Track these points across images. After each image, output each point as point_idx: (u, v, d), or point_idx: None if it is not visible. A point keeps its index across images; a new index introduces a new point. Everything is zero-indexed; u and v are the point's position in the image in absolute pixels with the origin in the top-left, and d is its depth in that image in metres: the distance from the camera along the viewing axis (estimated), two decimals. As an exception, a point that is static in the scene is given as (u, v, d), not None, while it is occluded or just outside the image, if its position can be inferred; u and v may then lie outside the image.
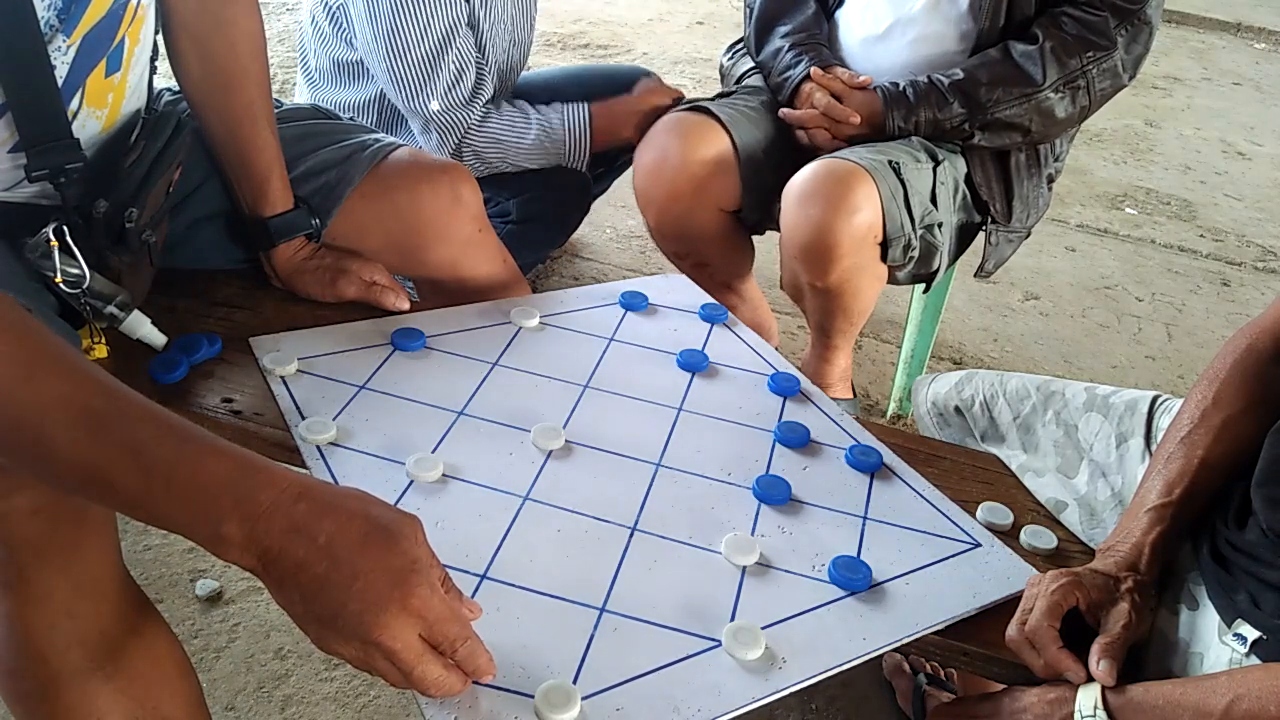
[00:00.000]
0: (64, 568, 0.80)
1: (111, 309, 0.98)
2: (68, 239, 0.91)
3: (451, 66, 1.56)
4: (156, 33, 1.06)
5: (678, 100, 1.71)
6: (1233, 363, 0.92)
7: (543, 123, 1.66)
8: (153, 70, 1.08)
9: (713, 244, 1.65)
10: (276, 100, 1.28)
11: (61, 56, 0.89)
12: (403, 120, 1.71)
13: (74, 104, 0.93)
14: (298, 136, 1.21)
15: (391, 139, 1.25)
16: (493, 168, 1.68)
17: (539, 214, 1.74)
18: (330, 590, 0.64)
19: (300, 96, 1.83)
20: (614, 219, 2.37)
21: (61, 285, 0.92)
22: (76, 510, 0.80)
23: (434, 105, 1.58)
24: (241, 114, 1.11)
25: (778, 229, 1.55)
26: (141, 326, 1.02)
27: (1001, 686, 0.87)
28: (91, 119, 0.96)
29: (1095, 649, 0.79)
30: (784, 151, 1.61)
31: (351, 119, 1.38)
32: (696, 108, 1.61)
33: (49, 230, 0.91)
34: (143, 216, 0.98)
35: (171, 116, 1.07)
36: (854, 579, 0.88)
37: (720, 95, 1.68)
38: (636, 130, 1.65)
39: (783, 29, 1.64)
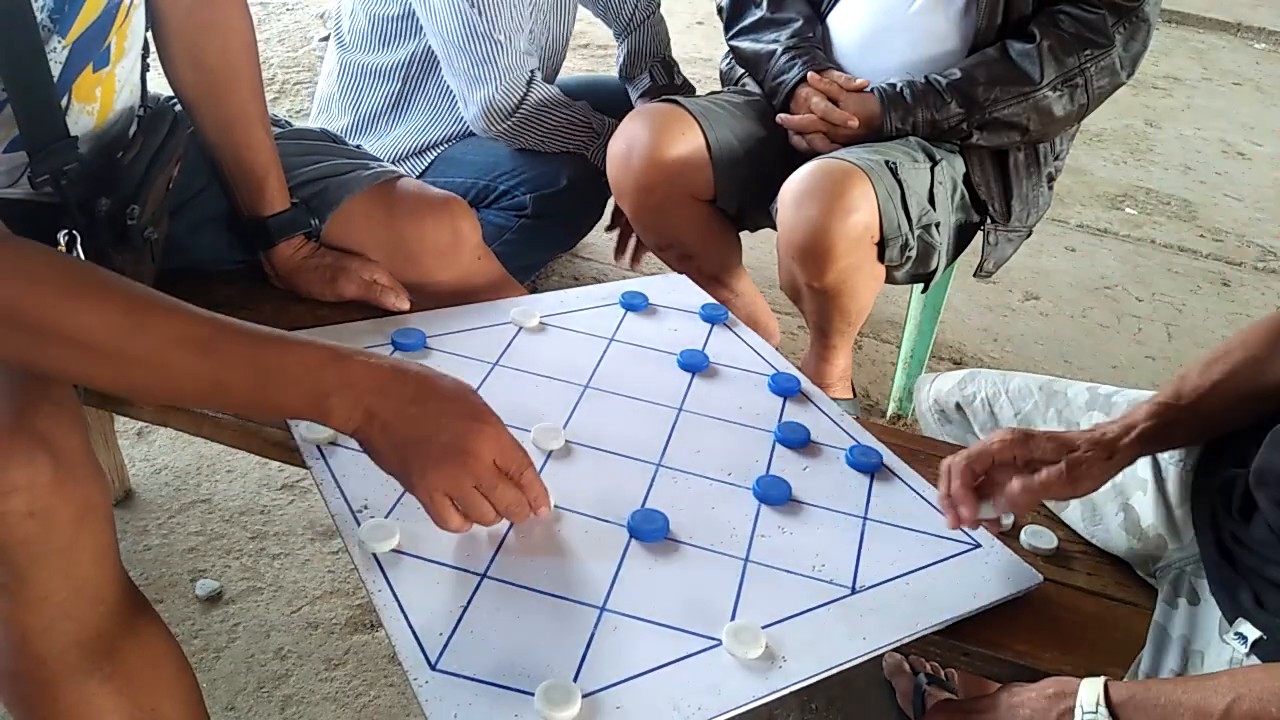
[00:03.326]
0: (61, 569, 0.80)
1: None
2: (79, 248, 0.92)
3: (510, 20, 1.60)
4: (147, 30, 1.06)
5: None
6: (1270, 320, 0.92)
7: (586, 108, 1.73)
8: (145, 67, 1.08)
9: (693, 235, 1.65)
10: (285, 120, 1.28)
11: (56, 58, 0.89)
12: (427, 83, 1.73)
13: (64, 101, 0.94)
14: (303, 151, 1.21)
15: (397, 169, 1.25)
16: (535, 136, 1.69)
17: (554, 210, 1.74)
18: (422, 425, 0.79)
19: (330, 66, 1.84)
20: (614, 219, 2.37)
21: None
22: (74, 512, 0.79)
23: (503, 61, 1.61)
24: (235, 115, 1.11)
25: (773, 228, 1.55)
26: None
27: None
28: (84, 115, 0.97)
29: (1006, 491, 0.86)
30: (766, 147, 1.61)
31: (358, 147, 1.39)
32: (667, 100, 1.61)
33: (61, 239, 0.92)
34: (144, 214, 0.98)
35: (168, 113, 1.07)
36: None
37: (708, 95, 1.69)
38: None
39: (768, 22, 1.64)
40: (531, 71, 1.67)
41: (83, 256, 0.93)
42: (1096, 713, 0.74)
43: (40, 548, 0.78)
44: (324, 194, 1.18)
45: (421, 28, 1.68)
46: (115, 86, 1.00)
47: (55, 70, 0.90)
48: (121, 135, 1.03)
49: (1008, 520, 0.98)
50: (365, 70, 1.76)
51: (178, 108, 1.12)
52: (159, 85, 1.13)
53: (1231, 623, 0.81)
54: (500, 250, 1.60)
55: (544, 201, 1.73)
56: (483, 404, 0.84)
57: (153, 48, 1.08)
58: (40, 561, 0.78)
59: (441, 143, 1.77)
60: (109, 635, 0.84)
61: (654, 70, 1.92)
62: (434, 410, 0.80)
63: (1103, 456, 0.87)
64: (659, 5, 1.97)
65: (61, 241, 0.93)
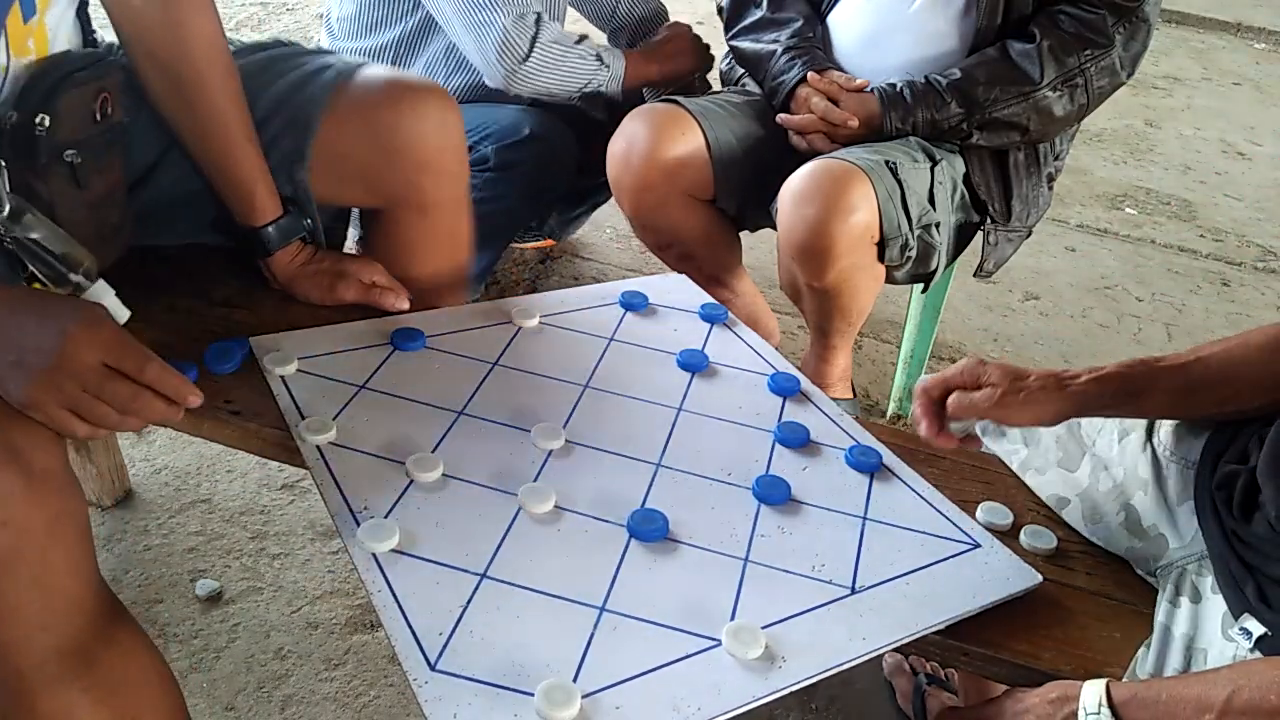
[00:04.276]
0: (35, 580, 0.79)
1: (78, 277, 0.93)
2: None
3: None
4: None
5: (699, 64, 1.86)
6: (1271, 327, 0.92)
7: (594, 49, 1.74)
8: (87, 20, 1.05)
9: (693, 235, 1.65)
10: (237, 41, 1.19)
11: None
12: (415, 62, 1.75)
13: (0, 58, 0.92)
14: (257, 70, 1.15)
15: (360, 60, 1.19)
16: (553, 77, 1.69)
17: (516, 160, 1.72)
18: (15, 336, 0.78)
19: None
20: (614, 219, 2.37)
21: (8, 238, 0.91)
22: (47, 522, 0.79)
23: (505, 3, 1.61)
24: (211, 123, 1.07)
25: (773, 228, 1.55)
26: (105, 296, 0.96)
27: (1002, 686, 0.87)
28: (20, 68, 0.95)
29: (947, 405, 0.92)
30: (766, 147, 1.61)
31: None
32: (668, 99, 1.62)
33: None
34: (57, 128, 0.94)
35: (98, 50, 1.04)
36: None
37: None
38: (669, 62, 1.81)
39: (768, 22, 1.64)
40: (537, 13, 1.67)
41: (5, 184, 0.90)
42: (1099, 713, 0.74)
43: (12, 557, 0.77)
44: (293, 123, 1.12)
45: (406, 11, 1.71)
46: (48, 36, 0.97)
47: None
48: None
49: (962, 428, 0.97)
50: (358, 54, 1.78)
51: (117, 49, 1.08)
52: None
53: (1237, 618, 0.81)
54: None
55: (506, 151, 1.72)
56: (86, 309, 0.82)
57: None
58: (13, 571, 0.77)
59: None
60: (88, 645, 0.83)
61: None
62: (29, 314, 0.79)
63: (1054, 386, 0.89)
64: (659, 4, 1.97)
65: None
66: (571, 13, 1.91)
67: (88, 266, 0.94)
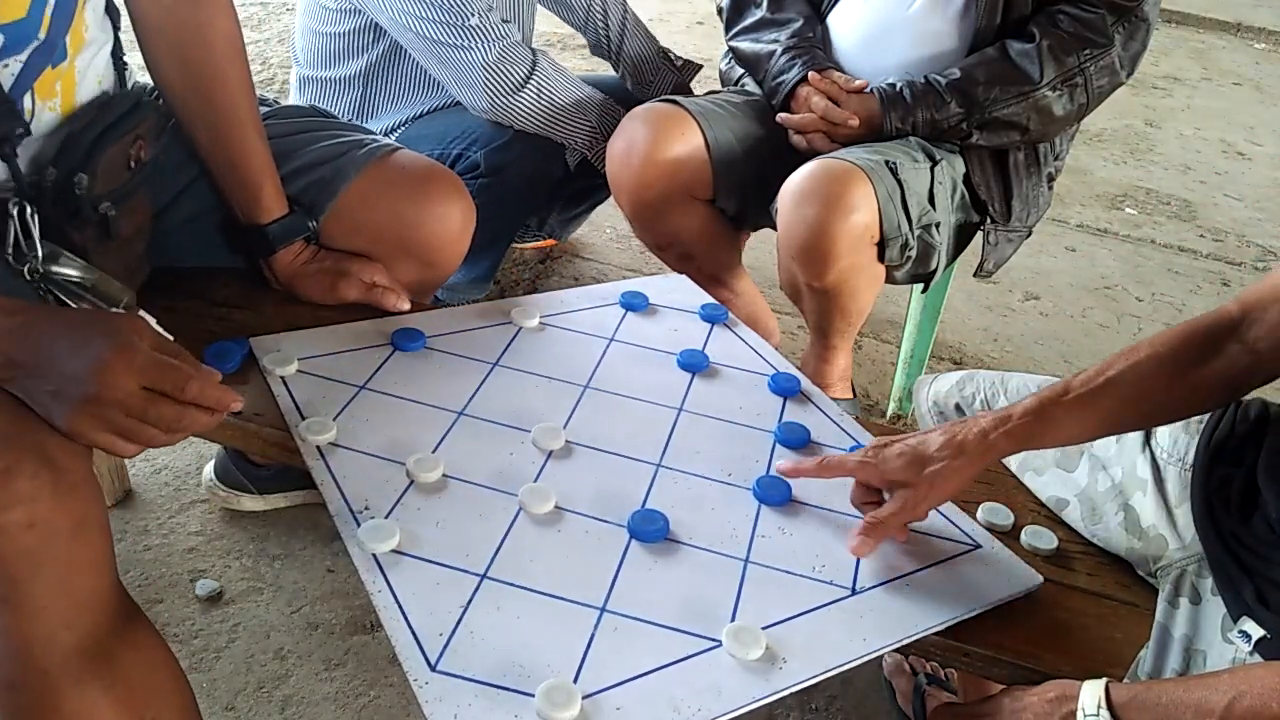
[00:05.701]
0: (61, 580, 0.80)
1: (118, 311, 0.97)
2: (29, 219, 0.91)
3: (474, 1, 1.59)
4: (118, 27, 1.05)
5: None
6: (1183, 326, 0.91)
7: (594, 95, 1.72)
8: (123, 64, 1.07)
9: (692, 234, 1.65)
10: (273, 100, 1.27)
11: (15, 56, 0.90)
12: (388, 86, 1.75)
13: (26, 103, 0.93)
14: (294, 130, 1.20)
15: (392, 141, 1.25)
16: (547, 106, 1.68)
17: (506, 162, 1.72)
18: (52, 365, 0.78)
19: (293, 80, 1.86)
20: (614, 219, 2.37)
21: (37, 275, 0.93)
22: (72, 522, 0.80)
23: (487, 39, 1.59)
24: (225, 119, 1.09)
25: (773, 228, 1.55)
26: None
27: (1001, 687, 0.87)
28: (46, 111, 0.96)
29: (856, 529, 0.90)
30: (766, 147, 1.61)
31: (350, 120, 1.37)
32: (667, 100, 1.62)
33: (12, 209, 0.91)
34: (95, 184, 0.97)
35: (132, 94, 1.05)
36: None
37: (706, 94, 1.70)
38: None
39: (768, 22, 1.64)
40: (534, 50, 1.67)
41: (36, 232, 0.92)
42: (1098, 715, 0.74)
43: (39, 559, 0.78)
44: (321, 182, 1.17)
45: (371, 41, 1.70)
46: (75, 79, 0.99)
47: (16, 66, 0.90)
48: (84, 117, 1.02)
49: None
50: (324, 84, 1.79)
51: (149, 91, 1.10)
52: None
53: (1236, 621, 0.81)
54: None
55: (494, 155, 1.71)
56: (118, 329, 0.81)
57: (128, 45, 1.07)
58: (39, 573, 0.78)
59: (400, 125, 1.78)
60: (108, 644, 0.84)
61: (664, 69, 1.94)
62: (64, 344, 0.79)
63: (954, 453, 0.87)
64: (626, 7, 1.97)
65: (12, 211, 0.91)
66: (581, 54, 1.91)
67: (127, 301, 0.98)
